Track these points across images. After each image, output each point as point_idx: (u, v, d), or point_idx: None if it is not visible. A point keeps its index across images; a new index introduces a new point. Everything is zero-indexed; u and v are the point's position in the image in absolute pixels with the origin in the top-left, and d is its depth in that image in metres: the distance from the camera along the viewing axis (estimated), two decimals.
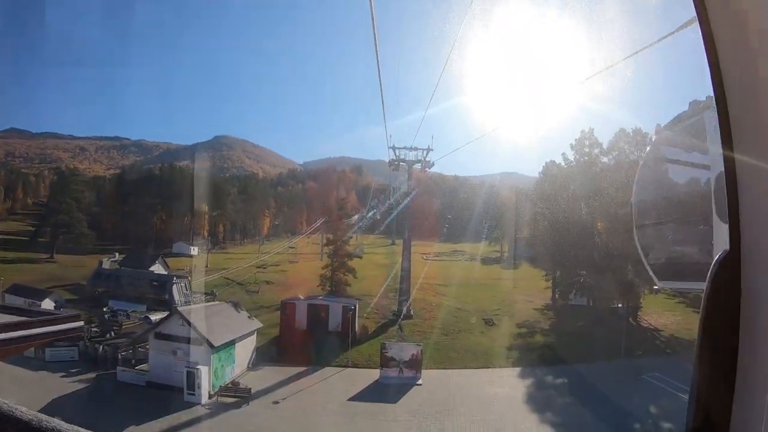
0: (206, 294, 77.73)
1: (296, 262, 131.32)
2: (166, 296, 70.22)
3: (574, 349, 73.38)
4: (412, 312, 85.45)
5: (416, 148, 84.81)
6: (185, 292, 71.79)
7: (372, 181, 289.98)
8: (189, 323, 52.61)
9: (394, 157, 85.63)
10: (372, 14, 20.74)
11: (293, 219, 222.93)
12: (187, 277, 74.80)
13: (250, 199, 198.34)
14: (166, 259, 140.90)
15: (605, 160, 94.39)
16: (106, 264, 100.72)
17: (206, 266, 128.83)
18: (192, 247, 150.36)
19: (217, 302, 68.22)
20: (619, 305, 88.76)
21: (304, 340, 70.48)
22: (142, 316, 66.53)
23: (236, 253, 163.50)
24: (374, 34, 22.13)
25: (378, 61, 24.41)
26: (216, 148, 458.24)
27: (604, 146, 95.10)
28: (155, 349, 55.06)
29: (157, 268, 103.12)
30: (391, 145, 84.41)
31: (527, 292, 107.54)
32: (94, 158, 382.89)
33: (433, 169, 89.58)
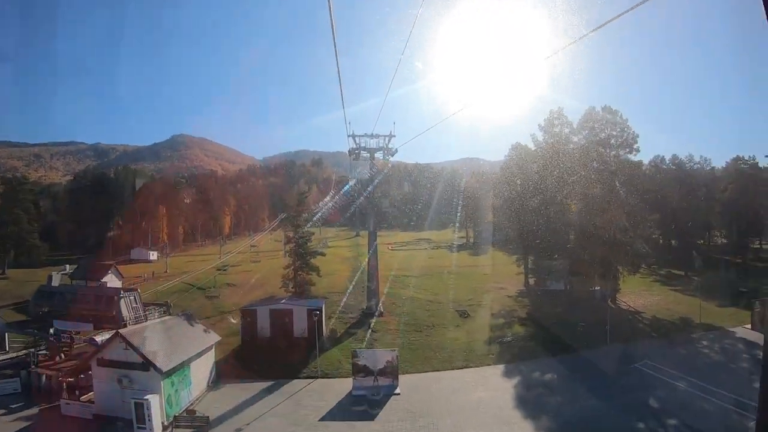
0: (159, 306, 70.74)
1: (258, 261, 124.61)
2: (114, 313, 62.73)
3: (557, 339, 67.71)
4: (382, 308, 79.10)
5: (377, 135, 77.95)
6: (135, 306, 64.19)
7: (332, 173, 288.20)
8: (133, 347, 45.21)
9: (355, 146, 78.49)
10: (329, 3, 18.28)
11: (255, 216, 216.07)
12: (136, 290, 67.11)
13: (208, 198, 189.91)
14: (126, 266, 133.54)
15: (576, 139, 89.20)
16: (56, 278, 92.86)
17: (165, 271, 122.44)
18: (151, 252, 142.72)
19: (169, 317, 60.65)
20: (596, 288, 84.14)
21: (268, 349, 63.85)
22: (87, 338, 58.99)
23: (197, 254, 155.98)
24: (331, 20, 19.81)
25: (335, 46, 23.47)
26: (174, 147, 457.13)
27: (574, 126, 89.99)
28: (99, 377, 47.28)
29: (110, 279, 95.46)
30: (351, 133, 77.31)
31: (499, 278, 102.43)
32: (49, 165, 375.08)
33: (395, 157, 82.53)
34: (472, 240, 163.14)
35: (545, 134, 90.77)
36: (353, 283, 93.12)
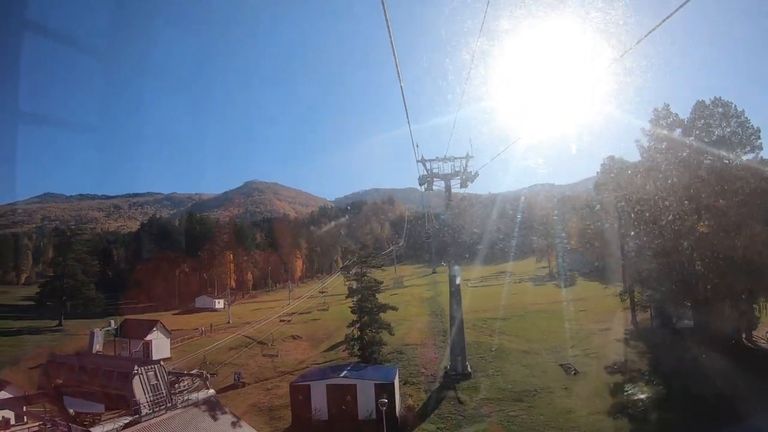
0: (196, 377, 54.56)
1: (326, 309, 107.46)
2: (126, 393, 46.83)
3: (707, 403, 47.41)
4: (469, 368, 60.26)
5: (452, 158, 60.02)
6: (154, 383, 47.90)
7: (405, 210, 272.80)
8: None
9: (426, 173, 60.69)
10: (391, 41, 17.23)
11: (327, 257, 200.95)
12: (158, 363, 50.76)
13: (279, 242, 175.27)
14: (189, 316, 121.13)
15: (688, 141, 69.00)
16: (99, 335, 78.32)
17: (228, 322, 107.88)
18: (216, 300, 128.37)
19: (180, 409, 44.02)
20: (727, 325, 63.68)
21: None
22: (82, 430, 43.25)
23: (266, 301, 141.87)
24: (394, 55, 18.50)
25: (399, 73, 20.64)
26: (247, 193, 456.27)
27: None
28: None
29: (156, 337, 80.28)
30: (420, 158, 59.81)
31: (598, 315, 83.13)
32: (128, 215, 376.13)
33: (464, 189, 63.51)
34: (554, 270, 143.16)
35: (650, 139, 70.90)
36: (433, 328, 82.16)
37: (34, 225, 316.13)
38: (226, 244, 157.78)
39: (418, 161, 58.81)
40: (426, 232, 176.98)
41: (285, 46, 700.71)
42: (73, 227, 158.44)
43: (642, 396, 51.34)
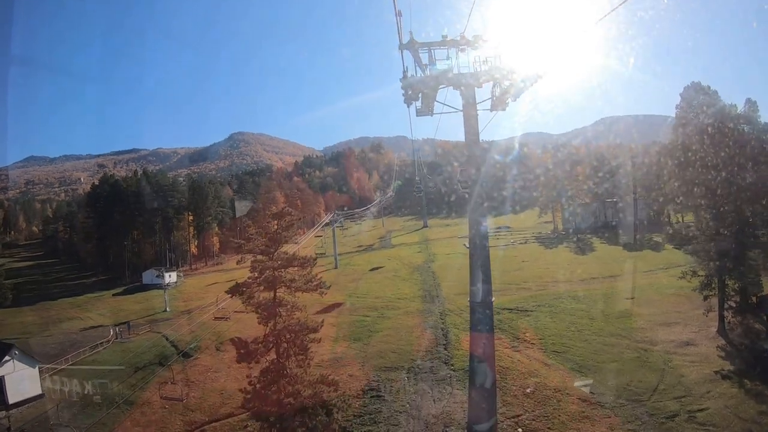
0: None
1: None
2: None
3: None
4: None
5: (474, 43, 20.77)
6: None
7: (394, 158, 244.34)
8: None
9: (422, 74, 21.57)
10: None
11: (309, 211, 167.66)
12: None
13: (250, 197, 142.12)
14: (127, 297, 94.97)
15: None
16: None
17: (165, 309, 76.82)
18: (167, 275, 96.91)
19: None
20: None
21: None
22: None
23: (230, 270, 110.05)
24: None
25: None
26: (233, 146, 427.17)
27: None
28: None
29: (11, 370, 47.30)
30: (408, 39, 20.79)
31: (655, 310, 52.04)
32: (113, 173, 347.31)
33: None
34: (559, 225, 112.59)
35: None
36: (431, 319, 55.84)
37: (18, 191, 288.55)
38: (185, 204, 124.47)
39: (401, 47, 21.20)
40: (416, 186, 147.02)
41: None
42: None
43: None
